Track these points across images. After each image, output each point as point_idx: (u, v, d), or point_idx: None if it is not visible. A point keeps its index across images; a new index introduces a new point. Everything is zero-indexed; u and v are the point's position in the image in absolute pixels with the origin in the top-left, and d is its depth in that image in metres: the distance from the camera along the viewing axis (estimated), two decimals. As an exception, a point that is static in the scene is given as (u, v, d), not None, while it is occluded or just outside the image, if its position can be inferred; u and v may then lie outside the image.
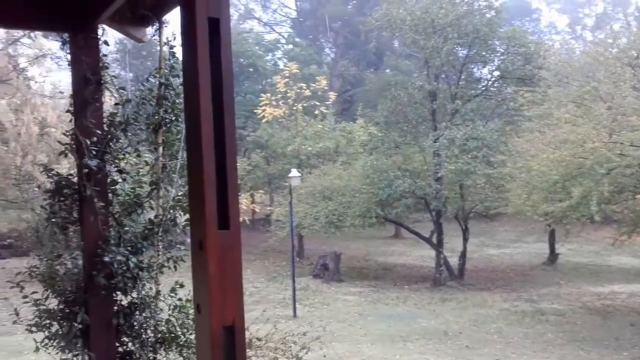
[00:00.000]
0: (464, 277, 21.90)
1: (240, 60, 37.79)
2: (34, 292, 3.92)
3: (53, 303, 4.02)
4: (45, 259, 4.05)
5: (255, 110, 29.04)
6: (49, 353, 3.84)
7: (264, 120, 28.39)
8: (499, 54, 22.34)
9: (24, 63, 23.77)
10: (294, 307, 15.95)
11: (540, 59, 19.65)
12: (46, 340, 3.91)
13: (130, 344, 4.23)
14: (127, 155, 4.26)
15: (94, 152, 3.90)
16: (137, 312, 4.24)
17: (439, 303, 17.98)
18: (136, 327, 4.23)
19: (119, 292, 4.12)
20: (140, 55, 36.39)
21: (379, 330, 14.32)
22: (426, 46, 20.69)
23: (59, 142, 4.32)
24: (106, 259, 3.81)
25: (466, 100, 21.29)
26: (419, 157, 22.44)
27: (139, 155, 4.35)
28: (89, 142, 3.81)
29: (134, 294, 4.20)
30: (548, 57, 18.82)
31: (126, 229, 4.26)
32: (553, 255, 24.69)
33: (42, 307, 3.96)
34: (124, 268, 3.96)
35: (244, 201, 26.05)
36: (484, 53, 21.96)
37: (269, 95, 28.38)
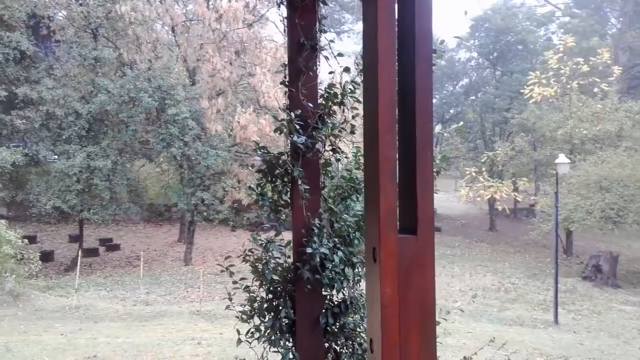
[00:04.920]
0: None
1: (508, 37, 35.39)
2: (242, 279, 3.66)
3: (263, 292, 3.74)
4: (259, 244, 3.75)
5: (522, 91, 26.79)
6: (251, 347, 3.53)
7: (531, 101, 26.06)
8: None
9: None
10: (555, 311, 14.00)
11: None
12: (253, 330, 3.63)
13: (339, 348, 3.73)
14: (342, 132, 3.70)
15: (304, 128, 3.46)
16: (349, 313, 3.71)
17: None
18: (346, 331, 3.71)
19: (329, 289, 3.66)
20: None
21: (668, 356, 11.60)
22: None
23: (274, 117, 4.02)
24: (308, 249, 3.34)
25: None
26: None
27: (353, 132, 3.76)
28: (293, 116, 3.35)
29: (345, 292, 3.67)
30: None
31: (344, 216, 3.74)
32: None
33: (251, 295, 3.71)
34: (332, 262, 3.46)
35: (504, 189, 24.21)
36: None
37: (538, 73, 25.85)
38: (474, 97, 39.21)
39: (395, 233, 1.56)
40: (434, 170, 4.09)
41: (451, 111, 42.84)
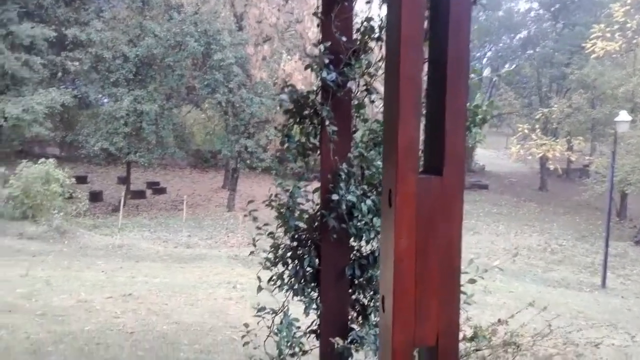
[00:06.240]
0: None
1: (572, -14, 33.29)
2: (266, 224, 3.48)
3: (288, 239, 3.55)
4: (284, 189, 3.52)
5: (584, 45, 25.24)
6: (272, 294, 3.37)
7: (593, 56, 24.46)
8: None
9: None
10: (603, 275, 13.46)
11: None
12: (275, 278, 3.46)
13: (367, 302, 3.53)
14: (379, 71, 3.38)
15: (335, 64, 3.16)
16: (378, 266, 3.48)
17: None
18: (374, 284, 3.49)
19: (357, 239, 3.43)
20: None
21: None
22: None
23: (307, 55, 3.74)
24: (334, 196, 3.10)
25: None
26: None
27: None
28: (323, 48, 3.05)
29: (374, 244, 3.44)
30: None
31: (376, 163, 3.46)
32: None
33: (275, 242, 3.52)
34: (360, 211, 3.21)
35: (558, 148, 23.19)
36: None
37: (602, 26, 24.20)
38: (531, 51, 37.37)
39: (416, 173, 1.30)
40: (481, 117, 3.74)
41: (507, 65, 41.05)
